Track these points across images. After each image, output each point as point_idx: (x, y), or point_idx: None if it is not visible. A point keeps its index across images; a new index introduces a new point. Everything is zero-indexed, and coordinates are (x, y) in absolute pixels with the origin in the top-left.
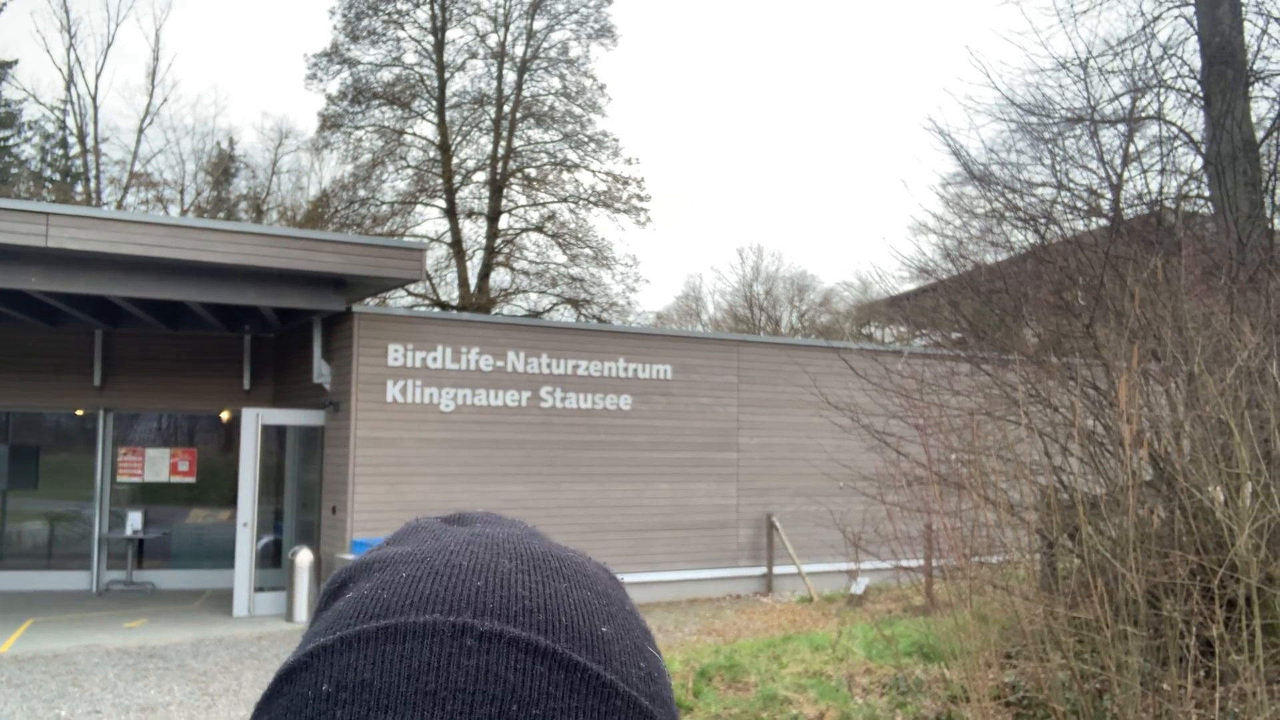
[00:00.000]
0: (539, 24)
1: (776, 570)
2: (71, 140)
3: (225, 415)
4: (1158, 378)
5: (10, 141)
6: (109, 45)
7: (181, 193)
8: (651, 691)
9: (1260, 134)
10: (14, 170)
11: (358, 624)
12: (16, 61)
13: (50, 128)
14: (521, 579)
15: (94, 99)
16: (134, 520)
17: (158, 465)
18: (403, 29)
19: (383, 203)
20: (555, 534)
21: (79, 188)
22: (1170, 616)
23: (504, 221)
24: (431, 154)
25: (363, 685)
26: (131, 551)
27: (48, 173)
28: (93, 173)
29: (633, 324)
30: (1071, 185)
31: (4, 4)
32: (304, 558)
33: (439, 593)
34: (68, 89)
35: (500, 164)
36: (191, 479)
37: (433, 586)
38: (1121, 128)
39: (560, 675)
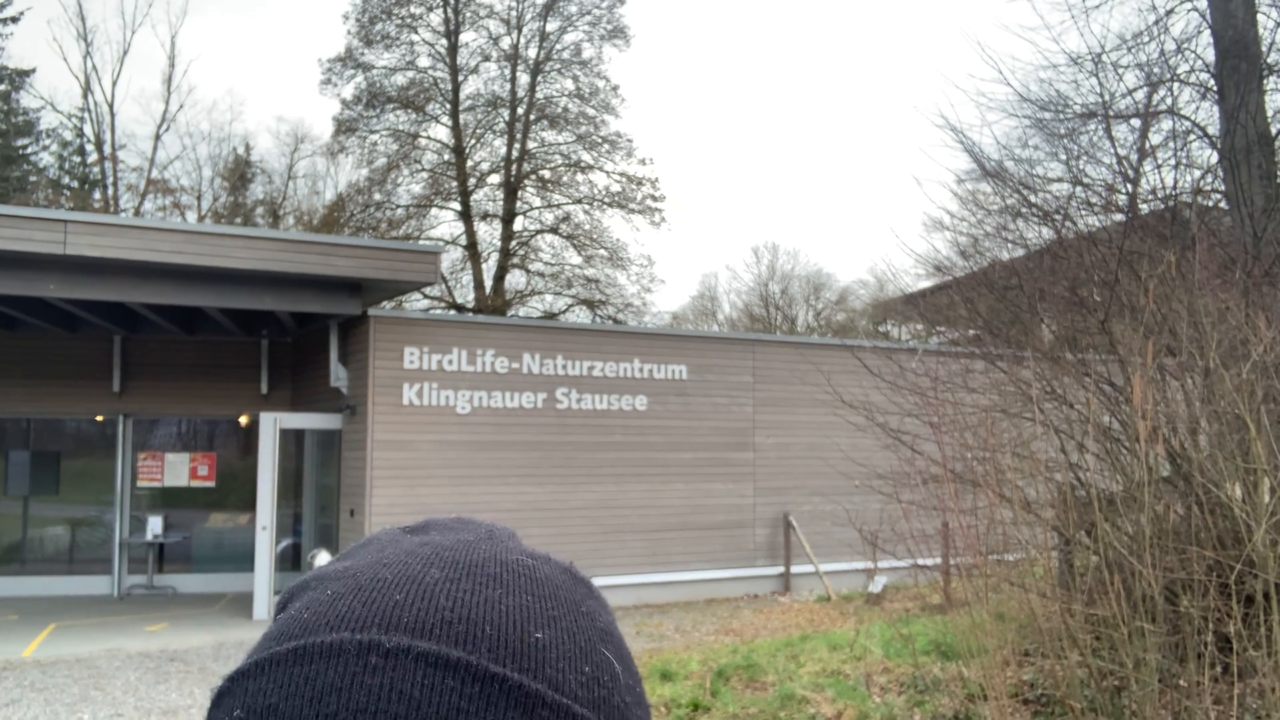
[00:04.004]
0: (552, 26)
1: (794, 569)
2: (89, 148)
3: (244, 420)
4: (1173, 373)
5: (28, 150)
6: (125, 52)
7: (199, 198)
8: (595, 697)
9: (1275, 127)
10: (32, 178)
11: (273, 646)
12: (34, 70)
13: (68, 135)
14: (447, 589)
15: (111, 106)
16: (154, 525)
17: (177, 470)
18: (416, 33)
19: (398, 206)
20: (572, 535)
21: (97, 195)
22: (1188, 613)
23: (519, 223)
24: (446, 157)
25: (269, 710)
26: (152, 556)
27: (66, 180)
28: (110, 180)
29: (648, 325)
30: (1086, 181)
31: (20, 14)
32: (323, 560)
33: (355, 609)
34: (85, 96)
35: (514, 166)
36: (211, 483)
37: (350, 604)
38: (1136, 122)
39: (474, 688)
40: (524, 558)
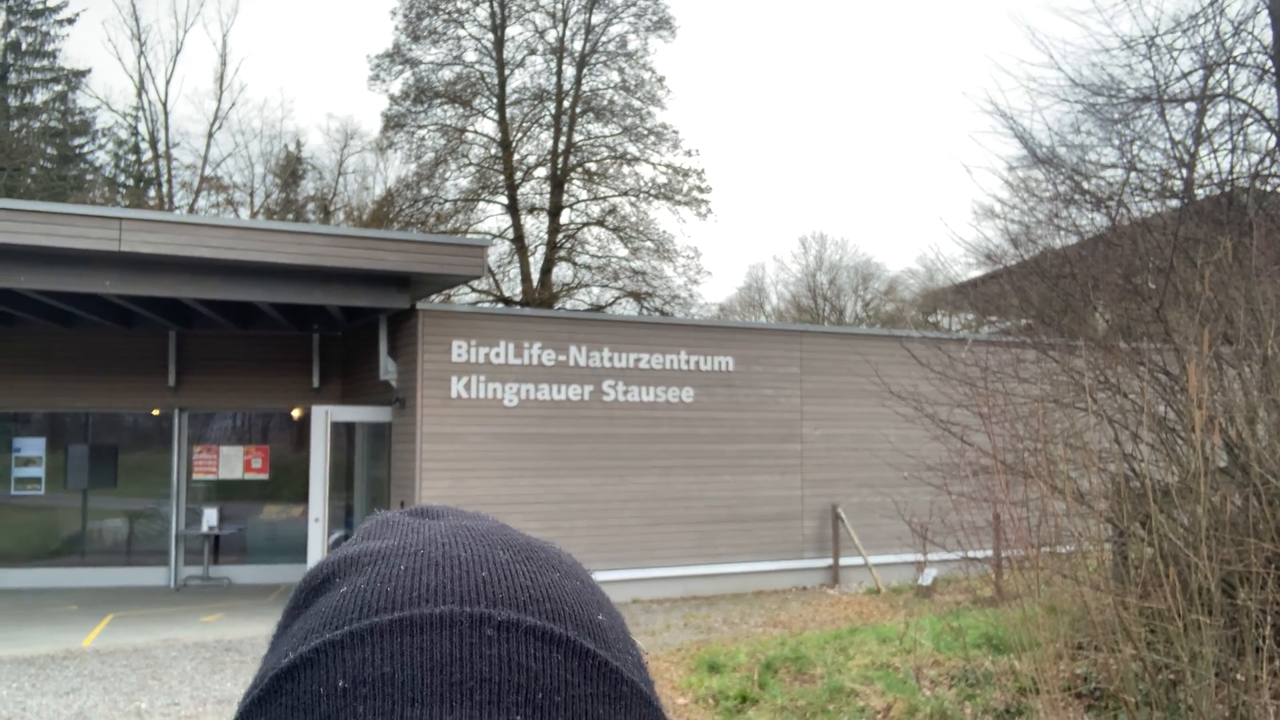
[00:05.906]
0: (597, 18)
1: (843, 562)
2: (144, 146)
3: (296, 413)
4: (1230, 361)
5: (85, 149)
6: (178, 52)
7: (251, 195)
8: (645, 678)
9: None
10: (89, 177)
11: (366, 618)
12: (90, 70)
13: (123, 134)
14: (520, 569)
15: (164, 105)
16: (210, 517)
17: (232, 463)
18: (463, 27)
19: (446, 200)
20: (618, 527)
21: (152, 192)
22: (1245, 605)
23: (565, 216)
24: (493, 151)
25: (384, 679)
26: (208, 547)
27: (121, 178)
28: (165, 177)
29: (695, 316)
30: (1141, 166)
31: (76, 15)
32: None
33: (446, 584)
34: (139, 96)
35: (561, 159)
36: (264, 476)
37: (438, 578)
38: (1191, 106)
39: (575, 662)
40: (552, 544)
